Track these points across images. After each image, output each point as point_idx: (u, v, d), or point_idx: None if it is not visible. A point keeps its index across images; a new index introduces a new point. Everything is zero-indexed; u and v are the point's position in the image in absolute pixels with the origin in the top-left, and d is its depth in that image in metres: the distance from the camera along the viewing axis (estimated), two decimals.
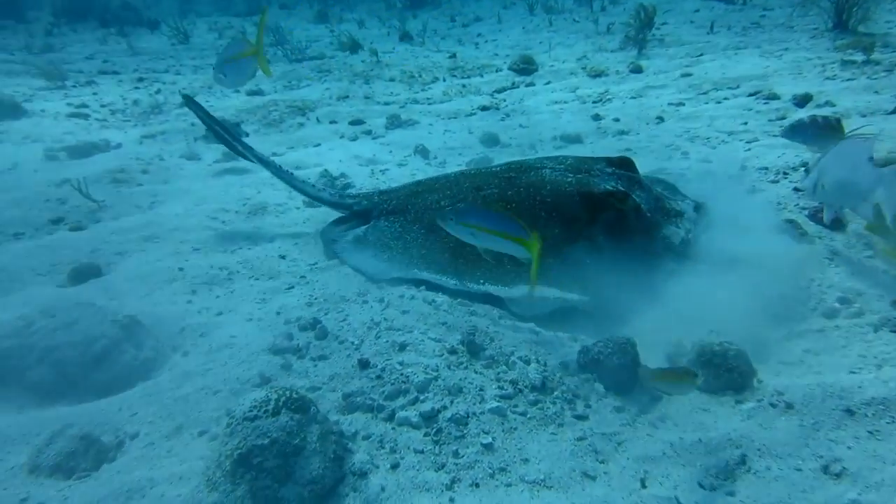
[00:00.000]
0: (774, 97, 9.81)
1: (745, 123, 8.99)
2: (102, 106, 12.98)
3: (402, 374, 3.99)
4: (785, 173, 6.99)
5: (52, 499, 3.28)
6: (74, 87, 14.63)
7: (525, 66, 13.56)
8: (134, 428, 3.70)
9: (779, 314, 4.77)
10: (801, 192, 6.34)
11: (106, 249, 6.04)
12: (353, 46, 16.52)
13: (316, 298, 5.05)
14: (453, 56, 15.46)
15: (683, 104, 10.39)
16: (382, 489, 3.28)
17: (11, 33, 21.77)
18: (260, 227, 6.67)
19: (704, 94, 10.82)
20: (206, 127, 6.92)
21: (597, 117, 10.10)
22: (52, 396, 3.93)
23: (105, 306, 4.43)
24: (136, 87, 14.57)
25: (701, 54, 13.42)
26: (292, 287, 5.35)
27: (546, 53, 14.87)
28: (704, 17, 16.79)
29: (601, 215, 5.00)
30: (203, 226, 6.65)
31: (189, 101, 6.52)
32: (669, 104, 10.45)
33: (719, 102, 10.22)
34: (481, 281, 4.88)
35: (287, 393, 3.37)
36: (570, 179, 5.23)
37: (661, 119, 9.76)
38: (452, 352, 4.25)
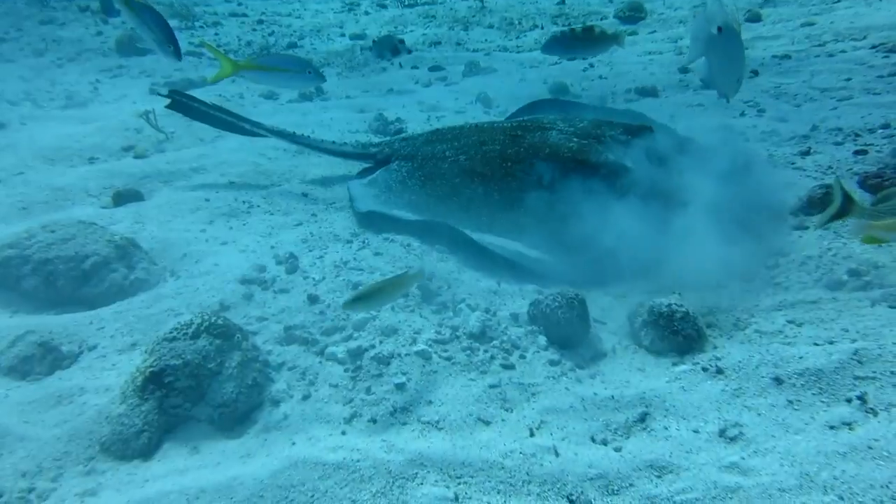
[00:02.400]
0: None
1: (849, 79, 8.06)
2: (219, 46, 13.79)
3: (343, 311, 4.08)
4: (857, 135, 6.26)
5: None
6: (202, 27, 15.62)
7: (632, 14, 12.83)
8: (95, 341, 4.03)
9: (781, 283, 4.46)
10: (860, 155, 5.68)
11: (155, 177, 6.53)
12: None
13: (313, 235, 5.21)
14: (562, 2, 14.87)
15: (790, 56, 9.46)
16: (285, 417, 3.43)
17: None
18: (298, 165, 6.92)
19: (820, 45, 9.76)
20: (202, 120, 6.67)
21: (684, 70, 9.43)
22: (45, 305, 4.37)
23: (107, 226, 4.82)
24: (254, 30, 15.31)
25: (838, 0, 12.03)
26: (300, 224, 5.54)
27: (662, 1, 13.93)
28: None
29: (593, 184, 4.85)
30: (249, 161, 6.99)
31: (176, 103, 6.50)
32: (773, 56, 9.55)
33: (832, 55, 9.19)
34: (458, 226, 4.85)
35: (211, 318, 3.57)
36: (572, 144, 5.11)
37: (755, 73, 8.96)
38: (403, 294, 4.28)
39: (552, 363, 3.88)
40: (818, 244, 4.76)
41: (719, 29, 4.48)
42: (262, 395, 3.56)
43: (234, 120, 6.54)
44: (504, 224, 4.84)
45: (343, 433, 3.32)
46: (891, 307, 4.03)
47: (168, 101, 6.51)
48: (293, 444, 3.23)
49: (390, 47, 10.29)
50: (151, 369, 3.36)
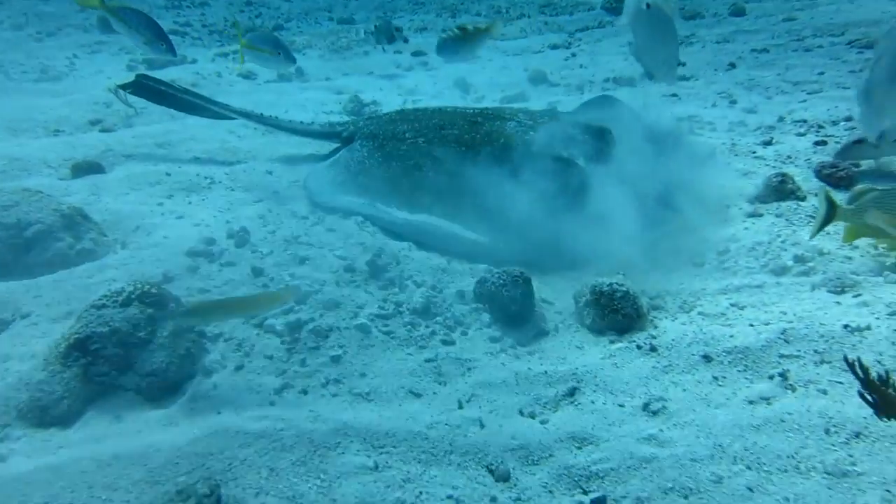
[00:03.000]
0: (874, 46, 8.68)
1: (822, 73, 8.08)
2: (204, 26, 13.75)
3: (286, 285, 4.08)
4: (820, 127, 6.30)
5: None
6: (189, 7, 15.55)
7: (618, 5, 12.76)
8: (30, 308, 3.97)
9: (729, 268, 4.52)
10: (820, 146, 5.72)
11: (118, 150, 6.50)
12: None
13: (271, 211, 5.20)
14: None
15: (768, 50, 9.48)
16: (214, 387, 3.42)
17: None
18: (267, 144, 6.90)
19: (799, 40, 9.78)
20: (170, 104, 6.64)
21: None
22: None
23: (53, 195, 4.80)
24: (242, 11, 15.25)
25: None
26: (261, 200, 5.52)
27: None
28: None
29: (543, 174, 4.85)
30: (217, 138, 6.97)
31: (139, 86, 6.42)
32: (752, 50, 9.58)
33: (808, 50, 9.21)
34: (401, 209, 4.87)
35: (144, 287, 3.54)
36: (528, 137, 5.12)
37: (732, 65, 9.00)
38: (349, 269, 4.30)
39: (493, 340, 3.91)
40: (769, 231, 4.80)
41: (647, 5, 4.51)
42: (196, 366, 3.55)
43: (201, 102, 6.53)
44: (456, 207, 4.85)
45: (272, 403, 3.32)
46: (829, 291, 4.06)
47: (132, 87, 6.48)
48: (219, 413, 3.23)
49: (387, 34, 10.32)
50: (76, 336, 3.32)
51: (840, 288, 4.09)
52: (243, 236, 4.63)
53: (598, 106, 6.17)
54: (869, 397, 2.44)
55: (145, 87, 6.50)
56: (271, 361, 3.60)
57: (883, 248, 4.41)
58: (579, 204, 4.87)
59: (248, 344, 3.71)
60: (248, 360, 3.61)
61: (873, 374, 2.48)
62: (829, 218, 4.19)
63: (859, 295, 3.95)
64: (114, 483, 2.77)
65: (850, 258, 4.42)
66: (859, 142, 5.02)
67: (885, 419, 2.54)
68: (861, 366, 2.48)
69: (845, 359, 2.51)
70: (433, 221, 4.70)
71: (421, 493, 2.84)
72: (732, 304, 4.14)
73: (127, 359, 3.38)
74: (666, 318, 4.10)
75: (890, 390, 2.42)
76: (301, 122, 6.46)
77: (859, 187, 4.13)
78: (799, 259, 4.45)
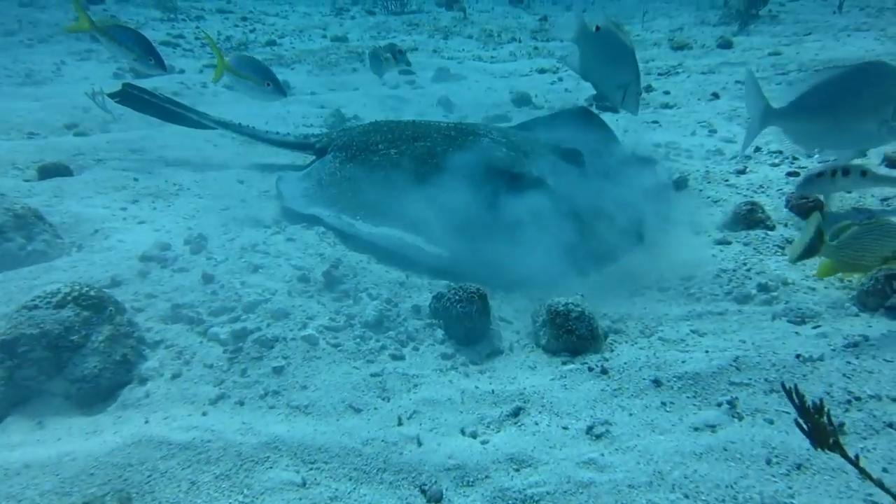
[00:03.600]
0: None
1: None
2: (196, 38, 13.75)
3: (236, 293, 4.00)
4: (794, 158, 6.28)
5: None
6: (184, 20, 15.59)
7: None
8: None
9: (693, 294, 4.45)
10: (792, 177, 5.69)
11: (90, 154, 6.44)
12: (449, 3, 16.37)
13: (235, 219, 5.12)
14: (543, 19, 14.94)
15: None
16: (147, 395, 3.32)
17: None
18: (242, 154, 6.85)
19: (783, 74, 9.82)
20: (152, 113, 6.65)
21: (649, 88, 9.44)
22: None
23: (8, 195, 4.71)
24: (236, 26, 15.29)
25: (809, 33, 12.16)
26: (227, 209, 5.44)
27: (640, 23, 14.01)
28: None
29: (512, 192, 4.84)
30: (192, 146, 6.92)
31: (126, 96, 6.42)
32: (737, 82, 9.58)
33: (791, 84, 9.17)
34: (366, 220, 4.78)
35: (82, 289, 3.45)
36: (499, 154, 5.09)
37: (716, 96, 8.99)
38: (304, 280, 4.22)
39: (445, 357, 3.83)
40: (735, 259, 4.74)
41: (597, 28, 4.45)
42: (132, 373, 3.45)
43: (183, 112, 6.52)
44: (421, 219, 4.78)
45: (204, 414, 3.21)
46: (789, 321, 3.99)
47: (119, 96, 6.45)
48: (146, 422, 3.12)
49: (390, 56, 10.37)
50: (3, 337, 3.21)
51: (801, 318, 4.02)
52: (200, 243, 4.54)
53: (573, 120, 6.20)
54: (804, 426, 2.35)
55: (131, 97, 6.47)
56: (211, 370, 3.50)
57: (849, 280, 4.35)
58: (547, 223, 4.83)
59: (189, 352, 3.61)
60: (186, 368, 3.51)
61: (809, 403, 2.39)
62: (813, 248, 3.92)
63: (819, 326, 3.88)
64: (19, 493, 2.65)
65: (813, 289, 4.36)
66: (820, 175, 5.00)
67: (818, 449, 2.45)
68: (797, 393, 2.39)
69: (782, 385, 2.42)
70: (396, 234, 4.62)
71: None
72: (693, 331, 4.07)
73: (57, 363, 3.26)
74: (626, 342, 4.02)
75: (823, 419, 2.33)
76: (277, 133, 6.42)
77: (841, 224, 4.05)
78: (763, 288, 4.39)
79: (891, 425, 2.94)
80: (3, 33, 12.75)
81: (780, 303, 4.22)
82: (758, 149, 6.67)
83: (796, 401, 2.42)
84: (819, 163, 5.95)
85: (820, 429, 2.33)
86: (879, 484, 2.38)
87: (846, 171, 4.82)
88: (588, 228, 4.88)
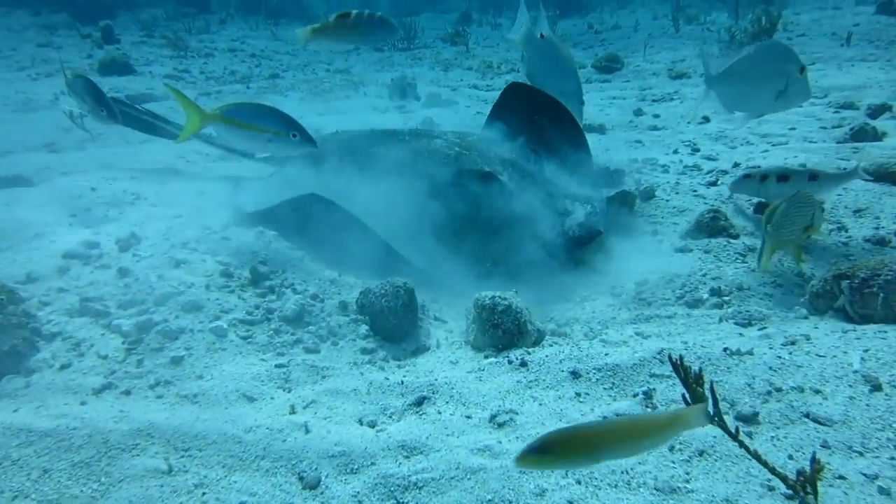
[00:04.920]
0: (851, 106, 8.50)
1: (793, 129, 7.85)
2: (202, 73, 14.02)
3: (149, 286, 3.87)
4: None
5: None
6: (193, 57, 15.92)
7: (608, 65, 12.82)
8: None
9: (645, 299, 4.25)
10: None
11: (57, 168, 6.44)
12: (454, 39, 16.53)
13: (181, 223, 5.00)
14: None
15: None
16: (27, 385, 3.18)
17: (190, 19, 24.04)
18: (211, 168, 6.80)
19: None
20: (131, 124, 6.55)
21: (639, 112, 9.32)
22: None
23: None
24: (243, 61, 15.57)
25: (812, 63, 11.94)
26: (179, 216, 5.34)
27: (641, 55, 13.94)
28: (859, 30, 14.91)
29: (463, 188, 4.74)
30: (163, 161, 6.90)
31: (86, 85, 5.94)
32: (654, 101, 9.50)
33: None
34: None
35: None
36: (451, 153, 5.02)
37: (706, 119, 8.79)
38: (226, 275, 4.09)
39: (364, 352, 3.70)
40: (692, 265, 4.51)
41: (541, 35, 4.59)
42: (21, 364, 3.31)
43: (161, 123, 6.55)
44: (369, 215, 4.66)
45: (82, 403, 3.05)
46: (736, 324, 3.74)
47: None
48: (14, 411, 2.96)
49: (400, 88, 10.54)
50: None
51: (748, 321, 3.76)
52: (129, 241, 4.43)
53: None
54: (688, 397, 2.12)
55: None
56: (104, 361, 3.35)
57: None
58: (497, 221, 4.67)
59: (86, 344, 3.46)
60: (78, 359, 3.36)
61: (691, 374, 2.16)
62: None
63: (765, 328, 3.62)
64: None
65: (770, 295, 4.12)
66: (747, 176, 4.99)
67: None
68: (682, 365, 2.16)
69: (669, 357, 2.20)
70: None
71: (209, 499, 2.52)
72: (637, 333, 3.85)
73: None
74: (566, 344, 3.80)
75: (699, 389, 2.10)
76: None
77: (772, 204, 3.95)
78: (715, 292, 4.16)
79: (807, 415, 2.67)
80: (16, 69, 13.13)
81: (730, 306, 3.98)
82: (736, 164, 6.44)
83: (681, 373, 2.21)
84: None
85: (696, 396, 2.11)
86: (756, 457, 2.13)
87: (783, 177, 4.77)
88: (542, 228, 4.71)
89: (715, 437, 2.54)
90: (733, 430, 2.16)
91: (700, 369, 2.12)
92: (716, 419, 2.14)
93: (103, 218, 5.27)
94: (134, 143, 7.60)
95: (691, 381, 2.13)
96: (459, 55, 14.86)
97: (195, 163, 7.08)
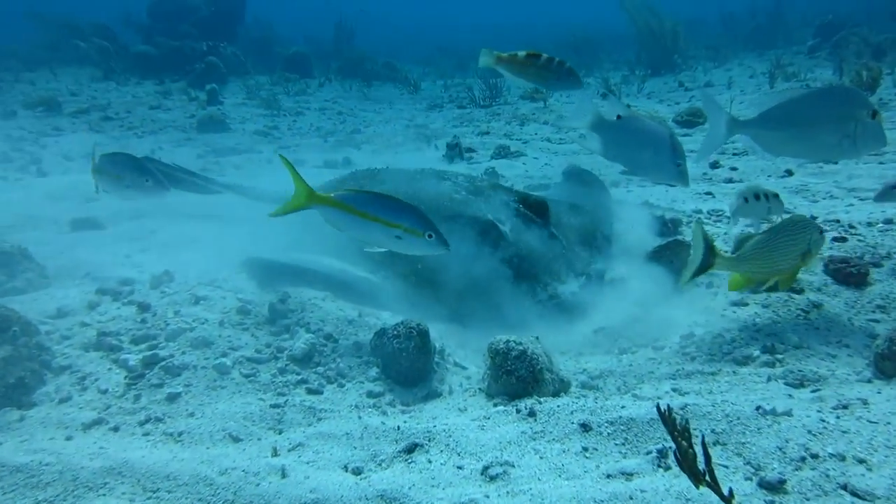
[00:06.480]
0: None
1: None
2: (289, 129, 14.64)
3: (164, 321, 3.85)
4: (851, 227, 5.54)
5: None
6: (285, 115, 16.67)
7: (690, 119, 12.40)
8: None
9: (689, 353, 3.89)
10: (838, 242, 5.00)
11: (126, 213, 6.67)
12: (534, 96, 16.53)
13: (219, 262, 5.01)
14: (627, 106, 14.66)
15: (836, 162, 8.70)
16: (21, 419, 3.15)
17: (292, 83, 25.29)
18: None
19: (877, 154, 8.90)
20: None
21: (715, 165, 8.97)
22: None
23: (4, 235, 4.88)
24: (330, 119, 16.15)
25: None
26: (221, 256, 5.36)
27: (729, 107, 13.41)
28: None
29: (466, 234, 4.59)
30: (225, 207, 7.07)
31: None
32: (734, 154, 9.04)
33: (883, 163, 8.34)
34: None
35: None
36: (458, 197, 4.92)
37: (789, 172, 8.33)
38: (243, 312, 4.03)
39: (371, 395, 3.53)
40: (746, 320, 4.11)
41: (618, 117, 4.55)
42: (29, 397, 3.31)
43: (193, 179, 6.79)
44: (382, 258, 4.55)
45: (68, 438, 2.99)
46: (786, 384, 3.31)
47: None
48: None
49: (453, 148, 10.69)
50: None
51: (800, 381, 3.33)
52: (161, 279, 4.46)
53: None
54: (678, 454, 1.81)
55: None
56: (102, 396, 3.31)
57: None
58: (517, 273, 4.48)
59: (91, 378, 3.45)
60: (80, 394, 3.34)
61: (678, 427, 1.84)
62: (705, 265, 3.66)
63: (818, 390, 3.18)
64: None
65: (833, 356, 3.66)
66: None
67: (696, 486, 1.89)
68: (670, 417, 1.86)
69: (657, 406, 1.90)
70: (353, 271, 4.39)
71: None
72: (674, 389, 3.50)
73: None
74: (595, 397, 3.48)
75: (683, 441, 1.78)
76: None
77: (744, 233, 3.91)
78: (767, 350, 3.73)
79: (844, 486, 2.25)
80: (126, 128, 14.09)
81: (782, 365, 3.55)
82: (813, 217, 5.92)
83: (668, 426, 1.90)
84: None
85: (685, 455, 1.80)
86: None
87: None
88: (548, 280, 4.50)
89: None
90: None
91: (686, 421, 1.80)
92: (706, 479, 1.81)
93: (154, 259, 5.39)
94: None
95: (675, 433, 1.82)
96: (537, 111, 14.80)
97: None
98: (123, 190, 4.95)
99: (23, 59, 23.05)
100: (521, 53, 4.63)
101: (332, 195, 3.50)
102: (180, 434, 3.01)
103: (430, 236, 3.53)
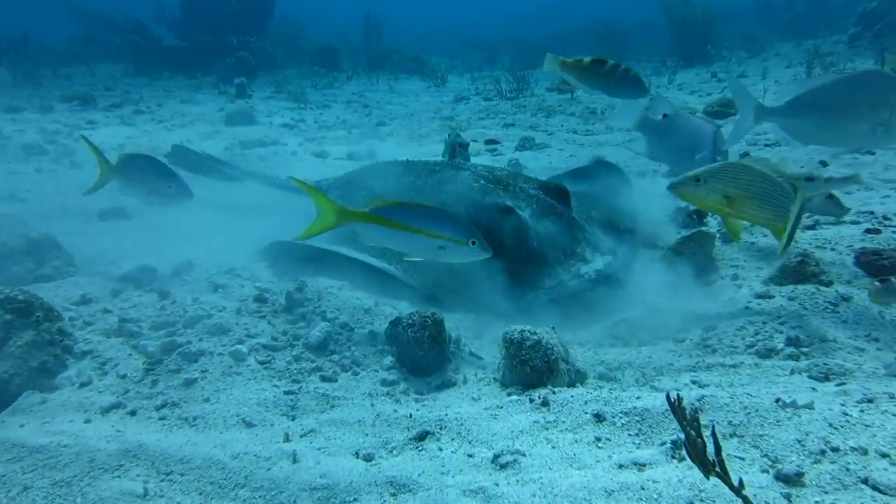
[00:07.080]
0: None
1: None
2: (315, 122, 14.70)
3: (182, 309, 3.88)
4: (885, 218, 5.32)
5: None
6: (311, 108, 16.76)
7: (720, 109, 12.16)
8: None
9: (711, 346, 3.82)
10: (871, 234, 4.85)
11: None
12: (560, 87, 16.37)
13: (239, 251, 5.05)
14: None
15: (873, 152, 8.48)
16: (43, 402, 3.19)
17: (318, 76, 25.43)
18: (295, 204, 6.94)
19: None
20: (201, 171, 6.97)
21: (745, 155, 8.69)
22: None
23: (31, 222, 4.95)
24: (356, 112, 16.19)
25: None
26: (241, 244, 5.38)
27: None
28: None
29: (487, 223, 4.54)
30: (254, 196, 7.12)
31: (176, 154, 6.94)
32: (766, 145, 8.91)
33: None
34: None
35: (10, 293, 3.43)
36: (476, 185, 4.85)
37: (823, 164, 8.01)
38: (260, 300, 4.04)
39: (385, 383, 3.50)
40: (771, 312, 4.01)
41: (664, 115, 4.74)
42: (52, 381, 3.36)
43: (220, 166, 6.99)
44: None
45: (87, 421, 3.03)
46: (811, 377, 3.22)
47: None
48: (21, 426, 2.97)
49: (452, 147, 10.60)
50: None
51: (825, 375, 3.24)
52: (182, 267, 4.51)
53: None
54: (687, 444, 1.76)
55: (180, 155, 7.12)
56: (122, 381, 3.34)
57: None
58: (532, 261, 4.43)
59: (112, 364, 3.49)
60: (100, 378, 3.37)
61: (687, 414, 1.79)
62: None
63: (843, 384, 3.08)
64: None
65: (861, 350, 3.54)
66: None
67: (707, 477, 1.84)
68: (680, 406, 1.81)
69: (667, 396, 1.85)
70: (368, 260, 4.38)
71: None
72: (694, 382, 3.42)
73: None
74: (611, 388, 3.43)
75: (691, 430, 1.73)
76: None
77: None
78: (792, 342, 3.63)
79: (865, 480, 2.17)
80: (157, 122, 14.27)
81: (807, 358, 3.45)
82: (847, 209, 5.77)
83: (677, 414, 1.86)
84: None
85: (693, 444, 1.75)
86: None
87: None
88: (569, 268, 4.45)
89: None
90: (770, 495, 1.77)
91: (695, 410, 1.75)
92: (715, 469, 1.76)
93: (176, 248, 5.44)
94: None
95: (684, 422, 1.77)
96: (564, 102, 14.66)
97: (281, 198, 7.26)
98: (146, 196, 4.97)
99: (60, 55, 23.58)
100: (587, 59, 4.54)
101: (368, 210, 3.48)
102: (195, 419, 3.03)
103: (473, 244, 3.54)
